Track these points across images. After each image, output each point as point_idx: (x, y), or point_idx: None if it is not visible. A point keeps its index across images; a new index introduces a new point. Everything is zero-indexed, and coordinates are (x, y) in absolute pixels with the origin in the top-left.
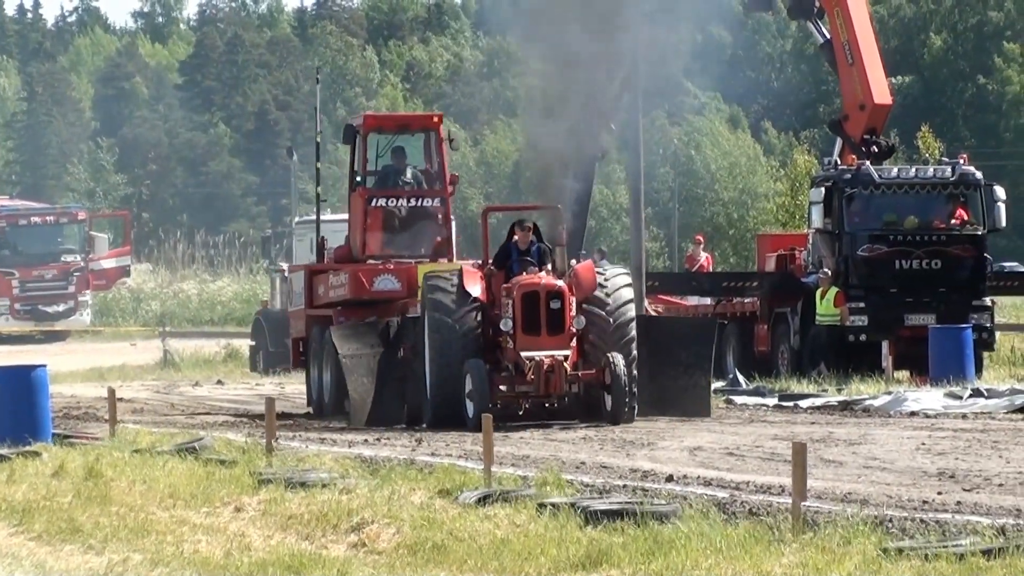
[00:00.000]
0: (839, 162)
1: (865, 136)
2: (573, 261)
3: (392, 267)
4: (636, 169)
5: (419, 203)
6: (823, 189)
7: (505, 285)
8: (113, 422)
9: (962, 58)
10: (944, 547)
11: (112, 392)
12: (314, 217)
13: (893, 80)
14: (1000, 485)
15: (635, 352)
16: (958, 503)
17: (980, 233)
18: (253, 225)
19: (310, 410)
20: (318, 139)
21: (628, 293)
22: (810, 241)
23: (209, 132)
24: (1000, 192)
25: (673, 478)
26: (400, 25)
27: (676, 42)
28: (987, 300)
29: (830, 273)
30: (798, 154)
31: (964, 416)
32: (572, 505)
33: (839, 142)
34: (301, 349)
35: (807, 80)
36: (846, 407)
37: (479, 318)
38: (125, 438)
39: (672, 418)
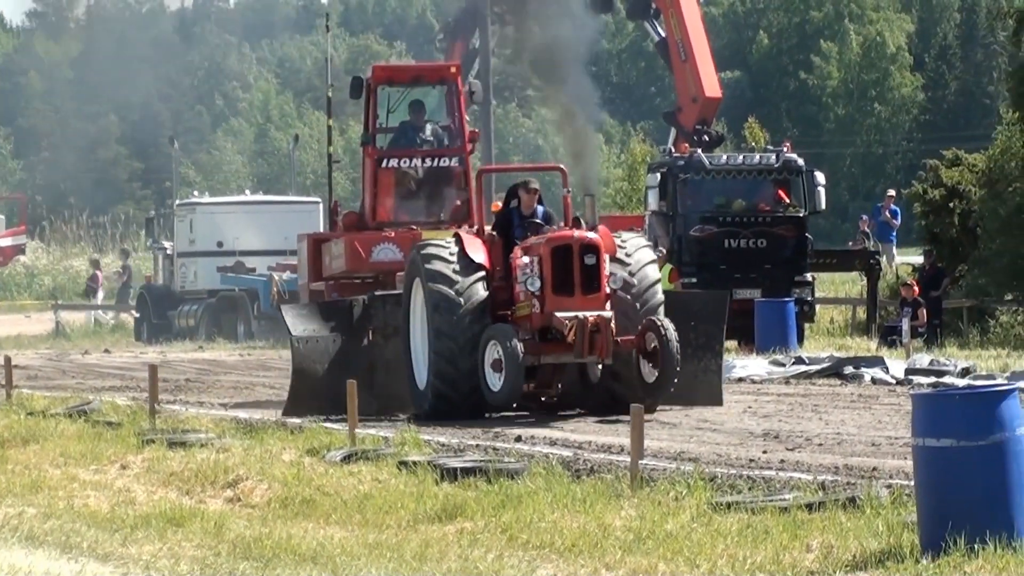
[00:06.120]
0: (673, 150)
1: (697, 126)
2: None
3: (393, 235)
4: (488, 155)
5: (436, 163)
6: (659, 175)
7: (525, 244)
8: (9, 387)
9: (786, 55)
10: (769, 501)
11: (8, 360)
12: (193, 200)
13: (723, 75)
14: (820, 445)
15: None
16: (782, 461)
17: (802, 215)
18: (138, 207)
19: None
20: (329, 93)
21: (648, 254)
22: (647, 222)
23: (98, 122)
24: (820, 177)
25: (521, 438)
26: (272, 24)
27: (524, 40)
28: (808, 276)
29: (665, 251)
30: (635, 143)
31: (787, 382)
32: (429, 463)
33: (673, 131)
34: None
35: (643, 75)
36: None
37: (486, 288)
38: (20, 402)
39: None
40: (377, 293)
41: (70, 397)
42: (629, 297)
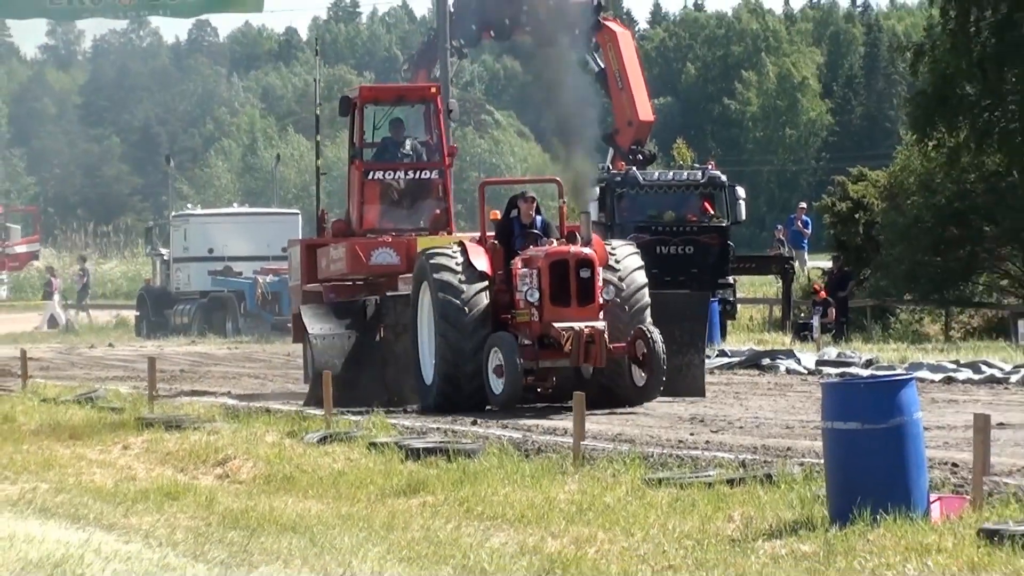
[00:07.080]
0: (611, 167)
1: (632, 146)
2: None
3: (390, 240)
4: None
5: (417, 176)
6: (598, 189)
7: (525, 256)
8: (25, 377)
9: (711, 83)
10: (696, 477)
11: (23, 353)
12: (187, 212)
13: (655, 101)
14: (741, 427)
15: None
16: (707, 442)
17: (724, 225)
18: (138, 218)
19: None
20: (317, 112)
21: (637, 261)
22: None
23: (103, 143)
24: (741, 192)
25: (477, 422)
26: (257, 56)
27: (479, 71)
28: (730, 279)
29: None
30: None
31: (711, 372)
32: (396, 444)
33: (611, 151)
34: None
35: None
36: None
37: (489, 296)
38: (34, 390)
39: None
40: (388, 294)
41: (78, 386)
42: (620, 303)
